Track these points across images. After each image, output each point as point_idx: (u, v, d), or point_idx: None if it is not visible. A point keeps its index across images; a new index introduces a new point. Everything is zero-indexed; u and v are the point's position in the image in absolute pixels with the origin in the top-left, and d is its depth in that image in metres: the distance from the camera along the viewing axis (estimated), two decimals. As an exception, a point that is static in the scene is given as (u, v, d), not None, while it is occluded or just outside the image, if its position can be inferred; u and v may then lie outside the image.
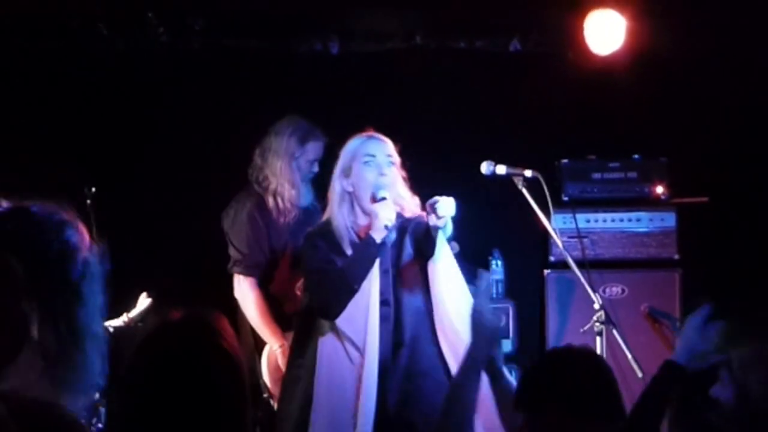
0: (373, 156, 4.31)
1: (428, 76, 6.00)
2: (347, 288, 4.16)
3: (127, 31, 5.78)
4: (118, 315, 4.82)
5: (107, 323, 4.77)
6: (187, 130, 5.86)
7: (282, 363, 4.91)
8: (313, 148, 5.19)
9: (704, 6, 5.60)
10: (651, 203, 5.90)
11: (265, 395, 5.05)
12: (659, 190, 5.87)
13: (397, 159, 4.36)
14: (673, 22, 5.73)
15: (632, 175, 5.92)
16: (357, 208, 4.31)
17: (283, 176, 5.13)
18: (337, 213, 4.31)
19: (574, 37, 5.75)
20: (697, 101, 5.86)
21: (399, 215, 4.30)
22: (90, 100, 5.83)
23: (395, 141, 5.88)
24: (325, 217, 4.41)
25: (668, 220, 5.86)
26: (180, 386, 2.15)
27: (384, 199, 4.23)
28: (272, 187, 5.13)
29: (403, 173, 4.38)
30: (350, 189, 4.31)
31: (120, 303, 4.87)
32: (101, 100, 5.85)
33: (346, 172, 4.32)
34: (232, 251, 5.10)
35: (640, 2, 5.67)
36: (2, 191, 2.51)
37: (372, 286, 4.20)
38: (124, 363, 2.26)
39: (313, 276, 4.30)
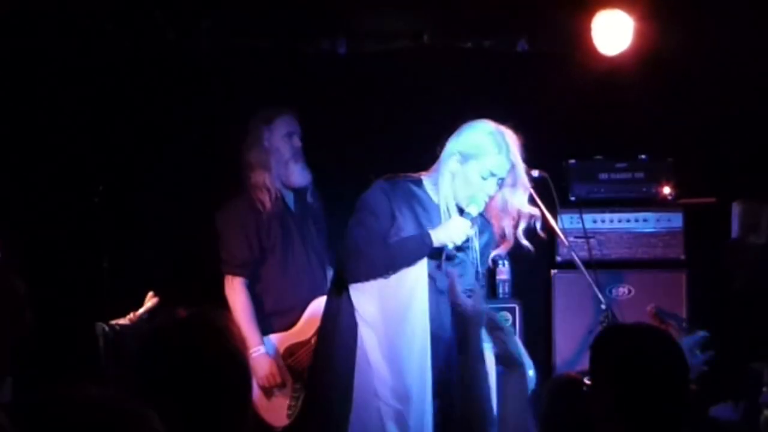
0: (493, 176, 4.20)
1: (435, 75, 6.00)
2: (380, 271, 4.11)
3: (135, 29, 5.79)
4: (124, 314, 4.83)
5: (113, 321, 4.79)
6: (195, 129, 5.87)
7: (256, 367, 4.94)
8: (282, 123, 5.15)
9: (712, 7, 5.59)
10: (658, 204, 5.89)
11: None
12: (666, 190, 5.86)
13: (517, 178, 4.25)
14: (681, 23, 5.72)
15: (639, 175, 5.91)
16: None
17: (256, 164, 5.11)
18: (447, 184, 4.22)
19: (581, 38, 5.74)
20: (705, 102, 5.85)
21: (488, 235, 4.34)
22: (97, 99, 5.84)
23: (403, 141, 5.92)
24: (426, 176, 4.31)
25: (675, 220, 5.86)
26: (182, 380, 2.19)
27: (469, 215, 4.18)
28: (252, 180, 5.12)
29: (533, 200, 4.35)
30: (456, 172, 4.22)
31: (127, 301, 4.88)
32: (108, 98, 5.85)
33: (465, 159, 4.21)
34: (222, 251, 5.11)
35: (648, 3, 5.66)
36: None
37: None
38: (130, 359, 2.30)
39: (355, 239, 4.19)
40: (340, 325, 4.20)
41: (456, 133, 4.30)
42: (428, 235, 4.15)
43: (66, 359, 5.24)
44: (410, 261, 4.14)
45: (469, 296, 4.15)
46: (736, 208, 5.56)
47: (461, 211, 4.23)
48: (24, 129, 5.68)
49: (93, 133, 5.81)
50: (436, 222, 4.22)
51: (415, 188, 4.28)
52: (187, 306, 2.41)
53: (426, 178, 4.31)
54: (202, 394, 2.19)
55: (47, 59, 5.76)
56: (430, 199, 4.29)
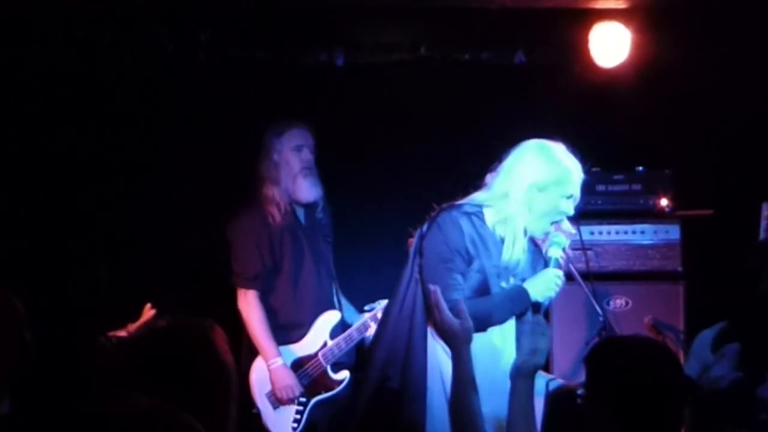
0: (572, 196, 4.00)
1: (433, 87, 6.01)
2: (482, 326, 3.84)
3: (134, 41, 5.80)
4: (122, 326, 4.82)
5: (110, 333, 4.78)
6: (193, 140, 5.87)
7: (274, 379, 4.93)
8: (292, 136, 5.14)
9: (709, 19, 5.61)
10: (655, 216, 5.89)
11: (254, 410, 5.01)
12: (663, 202, 5.86)
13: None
14: (678, 35, 5.74)
15: (636, 187, 5.91)
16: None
17: (266, 177, 5.11)
18: (520, 216, 3.96)
19: (579, 50, 5.77)
20: (702, 114, 5.86)
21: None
22: (95, 110, 5.84)
23: (401, 152, 5.92)
24: (484, 195, 4.04)
25: (672, 232, 5.85)
26: (161, 385, 2.22)
27: (558, 262, 3.99)
28: (264, 192, 5.12)
29: None
30: (535, 202, 3.99)
31: (125, 313, 4.88)
32: (106, 109, 5.86)
33: (541, 188, 3.98)
34: (234, 263, 5.10)
35: (645, 15, 5.68)
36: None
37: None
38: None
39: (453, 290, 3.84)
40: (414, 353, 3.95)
41: (517, 160, 4.05)
42: (525, 291, 3.96)
43: (63, 371, 5.22)
44: (506, 319, 3.94)
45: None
46: (765, 210, 5.53)
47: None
48: (22, 138, 5.69)
49: (91, 143, 5.81)
50: (494, 258, 3.98)
51: (478, 222, 4.02)
52: (183, 316, 2.43)
53: (487, 209, 4.06)
54: (181, 400, 2.21)
55: (45, 69, 5.76)
56: (492, 232, 4.03)
